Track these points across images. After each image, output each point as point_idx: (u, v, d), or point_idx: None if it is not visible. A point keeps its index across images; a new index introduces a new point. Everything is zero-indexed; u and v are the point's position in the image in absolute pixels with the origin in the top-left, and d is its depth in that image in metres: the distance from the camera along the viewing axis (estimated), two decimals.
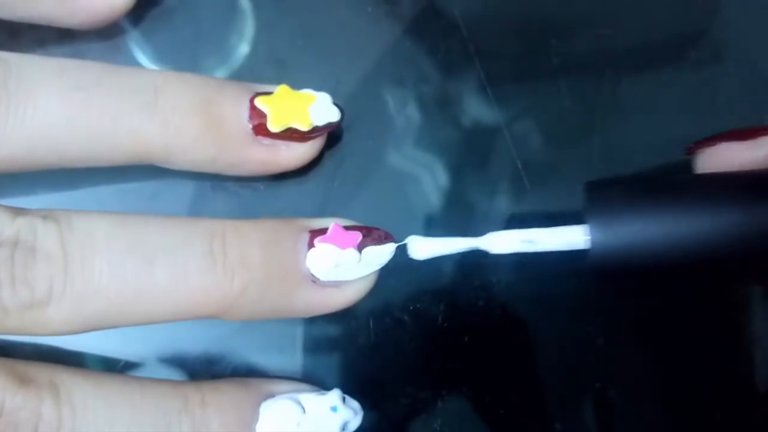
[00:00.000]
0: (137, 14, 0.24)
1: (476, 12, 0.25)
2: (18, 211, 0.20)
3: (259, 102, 0.22)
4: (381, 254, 0.22)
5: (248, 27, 0.25)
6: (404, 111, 0.25)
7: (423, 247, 0.22)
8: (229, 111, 0.22)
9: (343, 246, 0.21)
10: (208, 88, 0.22)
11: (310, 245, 0.21)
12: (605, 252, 0.20)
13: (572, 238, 0.20)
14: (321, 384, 0.24)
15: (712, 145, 0.21)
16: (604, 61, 0.25)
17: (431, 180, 0.25)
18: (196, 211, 0.24)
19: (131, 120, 0.21)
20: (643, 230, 0.19)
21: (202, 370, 0.24)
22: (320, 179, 0.24)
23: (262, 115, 0.22)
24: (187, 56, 0.25)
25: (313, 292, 0.22)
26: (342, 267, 0.21)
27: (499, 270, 0.24)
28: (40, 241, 0.20)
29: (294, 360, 0.24)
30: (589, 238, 0.20)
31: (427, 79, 0.25)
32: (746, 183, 0.20)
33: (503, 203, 0.25)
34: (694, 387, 0.25)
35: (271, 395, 0.22)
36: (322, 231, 0.22)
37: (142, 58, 0.25)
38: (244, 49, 0.25)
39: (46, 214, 0.20)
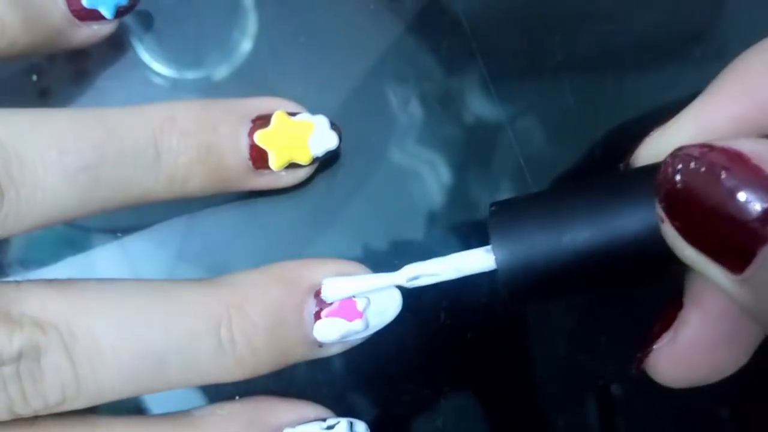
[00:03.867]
0: (140, 12, 0.24)
1: (479, 8, 0.25)
2: (13, 326, 0.19)
3: (260, 141, 0.22)
4: (385, 316, 0.22)
5: (250, 24, 0.25)
6: (407, 108, 0.25)
7: (335, 289, 0.21)
8: (230, 154, 0.22)
9: (350, 318, 0.21)
10: (204, 132, 0.22)
11: (317, 317, 0.21)
12: (514, 270, 0.19)
13: (482, 261, 0.20)
14: (322, 381, 0.24)
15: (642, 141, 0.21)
16: (607, 58, 0.25)
17: (434, 177, 0.25)
18: (198, 212, 0.25)
19: (139, 186, 0.21)
20: (548, 242, 0.18)
21: None
22: (323, 177, 0.24)
23: (264, 154, 0.22)
24: (189, 53, 0.25)
25: (318, 352, 0.22)
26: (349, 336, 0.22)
27: None
28: (45, 356, 0.19)
29: None
30: (494, 257, 0.19)
31: (430, 76, 0.25)
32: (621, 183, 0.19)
33: None
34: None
35: (279, 428, 0.22)
36: None
37: (145, 55, 0.25)
38: (246, 46, 0.25)
39: (41, 322, 0.19)
